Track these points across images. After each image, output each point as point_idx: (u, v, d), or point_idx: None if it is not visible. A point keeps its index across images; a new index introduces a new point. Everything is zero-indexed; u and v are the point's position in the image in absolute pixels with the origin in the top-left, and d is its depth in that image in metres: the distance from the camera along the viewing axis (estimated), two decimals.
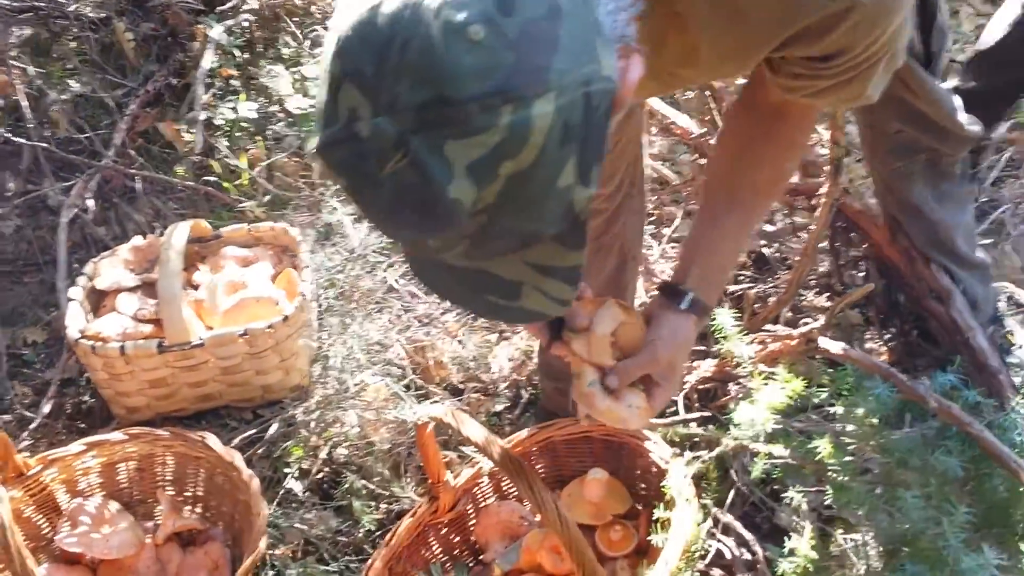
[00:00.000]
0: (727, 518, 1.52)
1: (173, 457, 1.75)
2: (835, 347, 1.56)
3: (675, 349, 1.20)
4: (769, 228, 2.26)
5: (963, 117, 1.73)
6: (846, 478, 1.36)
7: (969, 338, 1.76)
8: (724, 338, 1.55)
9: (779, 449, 1.45)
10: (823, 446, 1.42)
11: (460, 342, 2.20)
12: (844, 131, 1.66)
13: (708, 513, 1.48)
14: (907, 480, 1.33)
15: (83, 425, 2.08)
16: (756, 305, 1.97)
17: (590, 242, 1.70)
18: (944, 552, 1.21)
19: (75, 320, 1.99)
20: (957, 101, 1.73)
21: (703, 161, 2.22)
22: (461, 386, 2.11)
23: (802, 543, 1.36)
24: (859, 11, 0.99)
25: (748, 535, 1.50)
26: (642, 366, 1.19)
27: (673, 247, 2.33)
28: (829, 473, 1.40)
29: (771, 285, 2.14)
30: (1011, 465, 1.32)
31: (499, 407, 2.06)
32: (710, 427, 1.63)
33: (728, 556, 1.43)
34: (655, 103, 2.36)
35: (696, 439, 1.65)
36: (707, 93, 2.11)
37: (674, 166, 2.49)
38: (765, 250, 2.21)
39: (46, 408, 2.07)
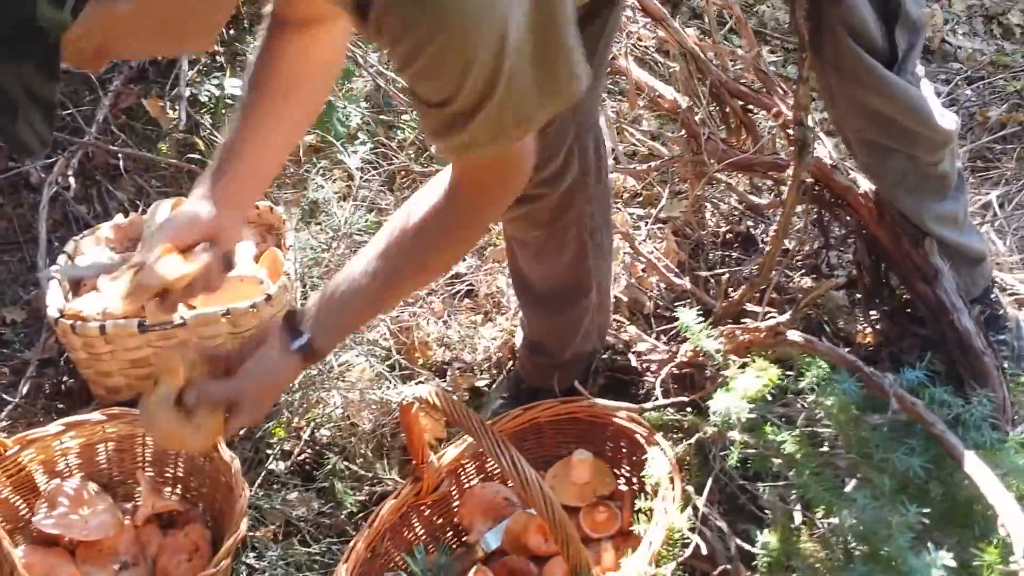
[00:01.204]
0: (705, 507, 1.51)
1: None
2: (801, 339, 1.54)
3: (268, 387, 1.23)
4: (756, 200, 2.23)
5: (937, 117, 1.67)
6: (809, 473, 1.35)
7: (954, 319, 1.74)
8: (690, 334, 1.54)
9: (754, 437, 1.44)
10: (788, 440, 1.41)
11: (445, 323, 2.19)
12: (809, 110, 1.63)
13: (689, 500, 1.47)
14: (869, 476, 1.32)
15: (62, 406, 2.05)
16: (731, 289, 1.95)
17: (540, 227, 1.63)
18: (892, 552, 1.21)
19: (55, 299, 1.96)
20: (931, 100, 1.67)
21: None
22: (445, 367, 2.10)
23: (772, 538, 1.36)
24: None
25: (723, 526, 1.48)
26: (228, 394, 1.20)
27: (660, 228, 2.31)
28: (794, 468, 1.40)
29: (756, 265, 2.13)
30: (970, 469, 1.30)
31: (483, 385, 2.05)
32: (688, 413, 1.62)
33: (704, 550, 1.42)
34: (644, 76, 2.34)
35: (673, 425, 1.64)
36: (693, 67, 2.09)
37: (661, 141, 2.47)
38: (752, 230, 2.20)
39: (24, 388, 2.04)
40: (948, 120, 1.70)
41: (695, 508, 1.45)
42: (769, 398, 1.43)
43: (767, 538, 1.35)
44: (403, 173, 2.50)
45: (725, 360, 1.51)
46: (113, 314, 1.93)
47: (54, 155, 2.54)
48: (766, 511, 1.46)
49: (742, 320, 1.80)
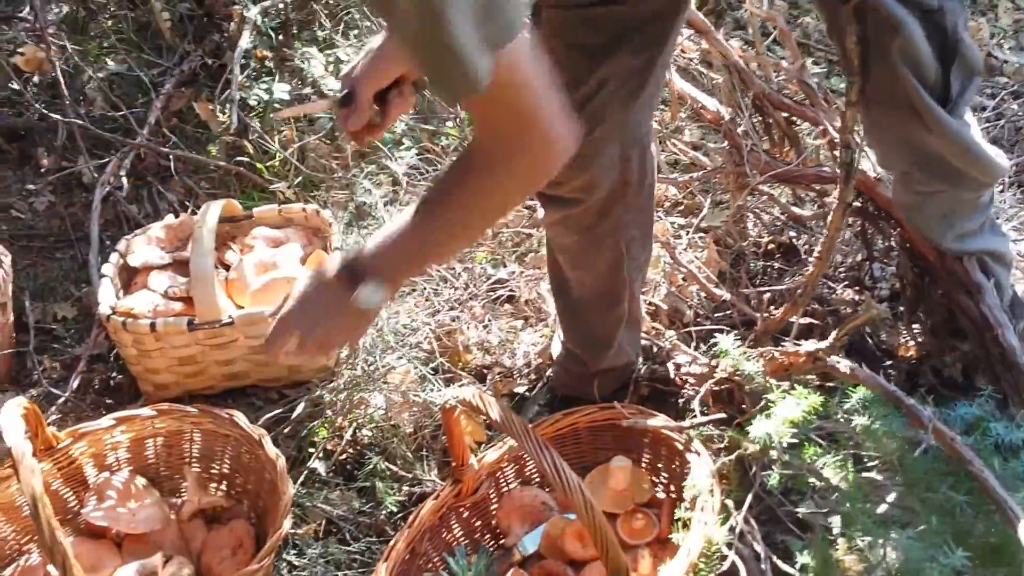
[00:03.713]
0: (745, 523, 1.52)
1: (201, 434, 1.76)
2: (843, 366, 1.54)
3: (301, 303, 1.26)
4: (799, 212, 2.23)
5: (992, 157, 1.62)
6: (851, 504, 1.35)
7: (998, 335, 1.73)
8: (725, 355, 1.54)
9: (797, 457, 1.44)
10: (830, 464, 1.41)
11: (485, 327, 2.21)
12: (856, 131, 1.61)
13: (728, 513, 1.47)
14: (914, 507, 1.31)
15: (111, 401, 2.10)
16: (772, 307, 1.95)
17: (578, 232, 1.64)
18: None
19: (107, 296, 2.01)
20: (982, 142, 1.62)
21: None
22: (485, 371, 2.12)
23: (811, 560, 1.36)
24: None
25: (760, 549, 1.49)
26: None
27: (701, 237, 2.32)
28: (837, 493, 1.39)
29: (800, 276, 2.13)
30: (1008, 513, 1.28)
31: (522, 391, 2.06)
32: (727, 428, 1.63)
33: (742, 569, 1.42)
34: (687, 87, 2.34)
35: (714, 440, 1.65)
36: (736, 78, 2.09)
37: (703, 152, 2.47)
38: (795, 241, 2.19)
39: (75, 383, 2.09)
40: (1002, 161, 1.66)
41: (733, 523, 1.45)
42: (812, 418, 1.43)
43: (806, 559, 1.35)
44: None
45: (766, 383, 1.51)
46: (163, 312, 1.97)
47: (106, 155, 2.60)
48: (804, 526, 1.46)
49: (784, 335, 1.79)
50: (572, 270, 1.77)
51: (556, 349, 2.01)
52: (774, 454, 1.42)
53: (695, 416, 1.59)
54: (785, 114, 2.16)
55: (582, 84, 1.46)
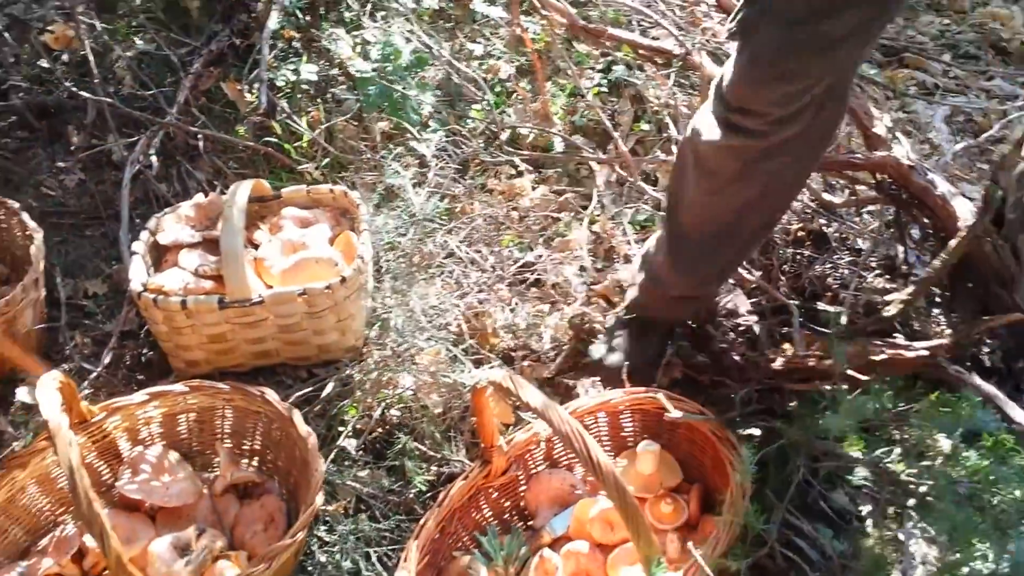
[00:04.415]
0: (787, 513, 1.52)
1: (232, 411, 1.78)
2: (952, 370, 1.54)
3: None
4: (830, 198, 2.21)
5: None
6: (937, 500, 1.34)
7: None
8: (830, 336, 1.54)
9: (855, 452, 1.44)
10: (899, 465, 1.41)
11: (512, 310, 2.21)
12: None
13: (765, 500, 1.48)
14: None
15: (142, 377, 2.12)
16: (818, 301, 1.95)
17: (745, 162, 1.63)
18: None
19: (138, 273, 2.02)
20: None
21: None
22: (512, 354, 2.12)
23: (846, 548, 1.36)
24: None
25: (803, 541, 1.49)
26: None
27: None
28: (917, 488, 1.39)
29: (829, 265, 2.12)
30: None
31: (548, 375, 2.07)
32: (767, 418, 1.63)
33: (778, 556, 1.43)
34: (718, 70, 2.33)
35: (754, 428, 1.66)
36: None
37: None
38: (825, 228, 2.18)
39: (106, 359, 2.11)
40: None
41: (770, 510, 1.46)
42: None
43: (840, 547, 1.35)
44: (474, 161, 2.53)
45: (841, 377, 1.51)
46: (194, 290, 1.99)
47: (136, 134, 2.61)
48: (843, 515, 1.46)
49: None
50: (707, 197, 1.72)
51: (627, 274, 2.04)
52: (825, 444, 1.42)
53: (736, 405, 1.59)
54: None
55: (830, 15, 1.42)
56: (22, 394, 2.09)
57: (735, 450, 1.52)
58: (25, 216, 2.23)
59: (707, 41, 2.44)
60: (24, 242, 2.22)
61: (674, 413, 1.60)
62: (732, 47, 1.58)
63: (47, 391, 1.39)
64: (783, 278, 2.08)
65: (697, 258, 1.81)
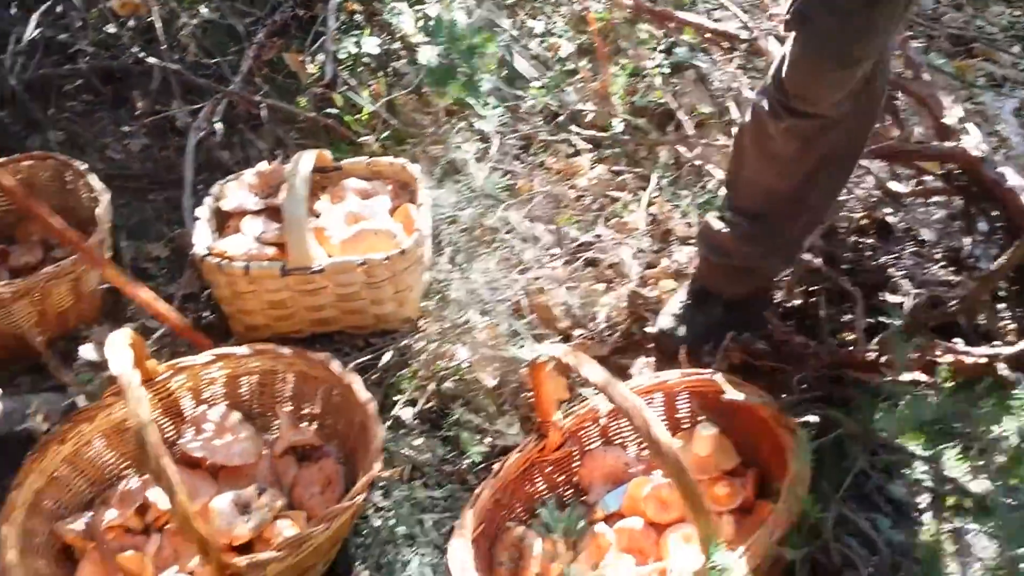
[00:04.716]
0: (840, 502, 1.51)
1: (294, 375, 1.81)
2: (1013, 377, 1.52)
3: None
4: (896, 187, 2.18)
5: None
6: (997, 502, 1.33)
7: None
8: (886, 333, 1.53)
9: (914, 447, 1.43)
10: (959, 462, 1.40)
11: (568, 288, 2.21)
12: None
13: (821, 489, 1.47)
14: None
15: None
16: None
17: (802, 140, 1.70)
18: None
19: (202, 238, 2.06)
20: None
21: None
22: (567, 332, 2.13)
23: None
24: None
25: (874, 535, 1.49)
26: None
27: None
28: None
29: (893, 256, 2.09)
30: None
31: (604, 353, 2.07)
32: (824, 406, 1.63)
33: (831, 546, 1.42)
34: None
35: (812, 416, 1.65)
36: None
37: None
38: (890, 218, 2.15)
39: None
40: None
41: (826, 499, 1.45)
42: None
43: (894, 537, 1.34)
44: (535, 139, 2.53)
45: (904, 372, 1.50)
46: (256, 256, 2.02)
47: (199, 101, 2.65)
48: (900, 506, 1.45)
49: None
50: (769, 175, 1.78)
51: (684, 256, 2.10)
52: (882, 438, 1.41)
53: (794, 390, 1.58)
54: (888, 87, 2.11)
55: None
56: (86, 351, 2.15)
57: (794, 436, 1.51)
58: (92, 178, 2.28)
59: (774, 26, 2.41)
60: (90, 204, 2.26)
61: (734, 395, 1.59)
62: (787, 35, 1.63)
63: (118, 347, 1.42)
64: (845, 266, 2.06)
65: (759, 233, 1.84)
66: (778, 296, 2.06)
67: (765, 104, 1.68)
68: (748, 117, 1.77)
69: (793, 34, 1.59)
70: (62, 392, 2.03)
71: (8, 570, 1.48)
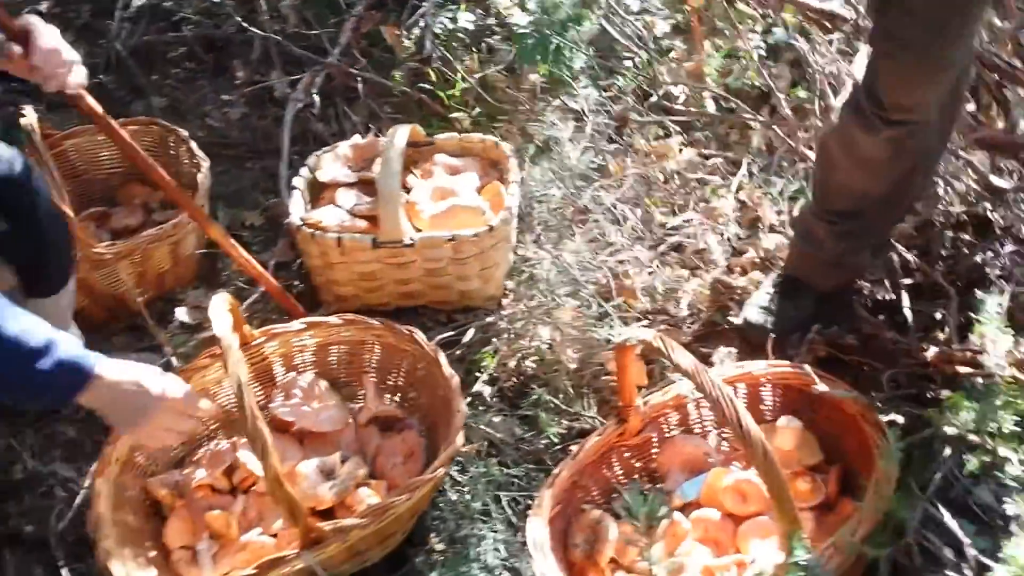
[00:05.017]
0: (928, 505, 1.48)
1: (381, 347, 1.85)
2: None
3: None
4: (998, 182, 2.10)
5: None
6: None
7: None
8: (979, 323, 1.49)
9: (1007, 452, 1.39)
10: None
11: (651, 273, 2.20)
12: None
13: (908, 490, 1.44)
14: None
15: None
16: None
17: (894, 143, 1.70)
18: None
19: (297, 208, 2.11)
20: None
21: None
22: (649, 317, 2.12)
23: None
24: None
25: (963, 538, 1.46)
26: None
27: None
28: None
29: (991, 253, 2.02)
30: None
31: (685, 341, 2.06)
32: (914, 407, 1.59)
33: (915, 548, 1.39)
34: None
35: (899, 414, 1.61)
36: None
37: None
38: (991, 214, 2.07)
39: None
40: None
41: (911, 500, 1.42)
42: None
43: (1012, 550, 1.31)
44: (627, 121, 2.51)
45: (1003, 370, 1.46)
46: (349, 228, 2.06)
47: (297, 72, 2.70)
48: (988, 512, 1.42)
49: None
50: (863, 180, 1.79)
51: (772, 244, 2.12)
52: (975, 439, 1.38)
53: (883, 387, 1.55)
54: (996, 76, 2.03)
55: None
56: (181, 313, 2.23)
57: (883, 434, 1.49)
58: (194, 145, 2.35)
59: None
60: (191, 169, 2.34)
61: (823, 389, 1.57)
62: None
63: (219, 310, 1.47)
64: (941, 263, 2.00)
65: (854, 230, 1.84)
66: (866, 289, 2.02)
67: (857, 117, 1.69)
68: (835, 127, 1.80)
69: (882, 47, 1.61)
70: (157, 353, 2.11)
71: (99, 522, 1.55)
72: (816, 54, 2.49)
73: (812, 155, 2.28)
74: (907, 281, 1.98)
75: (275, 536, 1.62)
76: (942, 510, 1.45)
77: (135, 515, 1.66)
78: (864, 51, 1.72)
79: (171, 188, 1.95)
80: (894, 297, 1.95)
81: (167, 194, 2.02)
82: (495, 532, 1.71)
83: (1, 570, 1.70)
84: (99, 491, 1.59)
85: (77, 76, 1.63)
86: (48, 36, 1.57)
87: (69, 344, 1.33)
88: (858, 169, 1.77)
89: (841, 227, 1.84)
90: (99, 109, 1.78)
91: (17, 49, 1.57)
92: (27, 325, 1.30)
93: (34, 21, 1.57)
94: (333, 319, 1.84)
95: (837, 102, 1.78)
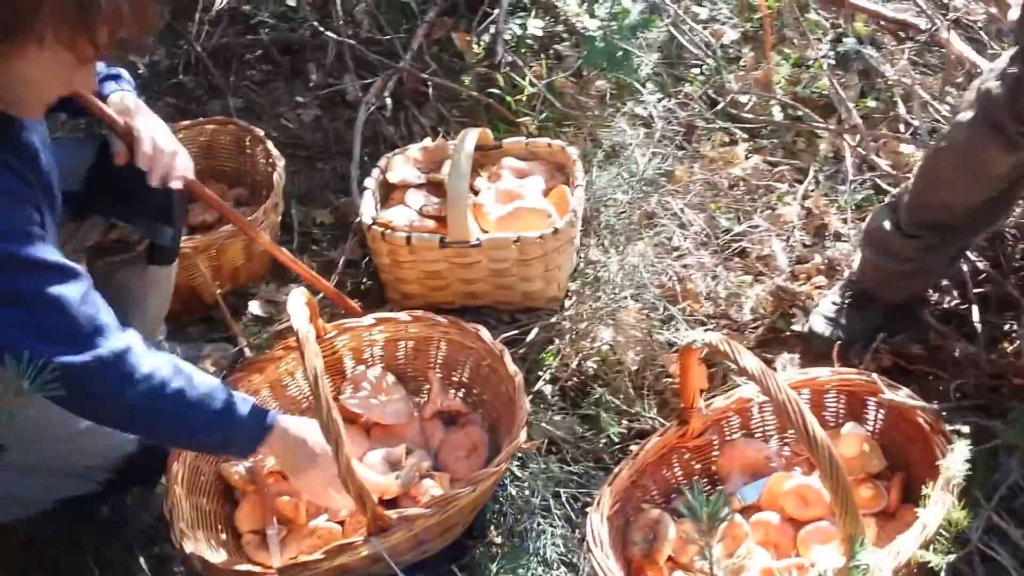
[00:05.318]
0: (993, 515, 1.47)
1: (447, 343, 1.89)
2: None
3: None
4: None
5: None
6: None
7: None
8: None
9: None
10: None
11: (715, 278, 2.21)
12: None
13: (976, 502, 1.43)
14: None
15: (359, 303, 2.27)
16: None
17: (1007, 159, 1.69)
18: None
19: (368, 207, 2.17)
20: None
21: None
22: (712, 321, 2.13)
23: None
24: None
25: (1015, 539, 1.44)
26: None
27: None
28: None
29: None
30: None
31: (747, 346, 2.06)
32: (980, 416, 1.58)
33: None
34: (966, 50, 2.22)
35: (967, 425, 1.60)
36: None
37: None
38: None
39: (332, 282, 2.27)
40: None
41: (976, 509, 1.41)
42: None
43: None
44: (694, 128, 2.52)
45: None
46: (418, 227, 2.11)
47: (369, 76, 2.77)
48: None
49: None
50: (976, 193, 1.76)
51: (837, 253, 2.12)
52: None
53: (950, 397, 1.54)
54: None
55: None
56: (254, 307, 2.31)
57: (948, 443, 1.48)
58: (270, 144, 2.42)
59: (958, 20, 2.31)
60: (267, 168, 2.41)
61: (892, 397, 1.57)
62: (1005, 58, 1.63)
63: (297, 304, 1.52)
64: (1013, 275, 1.97)
65: (940, 242, 1.83)
66: (934, 298, 2.00)
67: (995, 135, 1.64)
68: (953, 143, 1.74)
69: None
70: (231, 343, 2.18)
71: (175, 504, 1.61)
72: (888, 64, 2.49)
73: (882, 164, 2.26)
74: (978, 291, 1.96)
75: (341, 523, 1.67)
76: (1006, 520, 1.44)
77: (208, 498, 1.72)
78: (996, 69, 1.66)
79: (225, 210, 1.96)
80: (964, 306, 1.94)
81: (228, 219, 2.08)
82: (554, 527, 1.74)
83: (79, 552, 1.77)
84: (176, 474, 1.65)
85: (181, 164, 1.69)
86: (149, 141, 1.63)
87: (245, 404, 1.49)
88: (974, 184, 1.74)
89: (926, 241, 1.82)
90: (204, 191, 1.83)
91: (122, 150, 1.65)
92: (207, 389, 1.45)
93: (139, 126, 1.64)
94: (402, 315, 1.89)
95: (958, 118, 1.73)
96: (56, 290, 1.32)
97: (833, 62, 2.64)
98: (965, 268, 1.99)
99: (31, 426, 1.38)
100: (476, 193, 2.23)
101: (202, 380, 1.45)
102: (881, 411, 1.68)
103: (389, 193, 2.28)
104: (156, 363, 1.40)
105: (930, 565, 1.35)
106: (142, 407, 1.39)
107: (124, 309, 1.62)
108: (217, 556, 1.60)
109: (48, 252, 1.34)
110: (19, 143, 1.39)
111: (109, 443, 1.62)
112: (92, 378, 1.33)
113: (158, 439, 1.62)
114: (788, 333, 2.07)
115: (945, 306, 1.99)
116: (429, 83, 2.67)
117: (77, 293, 1.34)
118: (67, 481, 1.67)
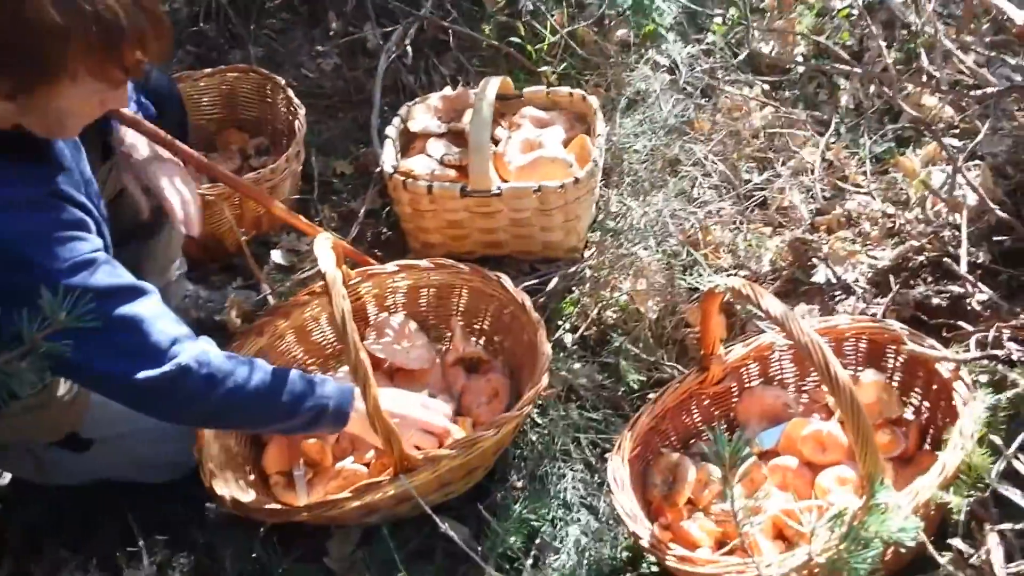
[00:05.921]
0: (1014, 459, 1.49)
1: (468, 291, 1.91)
2: None
3: None
4: None
5: None
6: None
7: None
8: None
9: None
10: None
11: (734, 229, 2.21)
12: None
13: (997, 450, 1.44)
14: None
15: (380, 253, 2.29)
16: None
17: None
18: None
19: (389, 156, 2.18)
20: None
21: None
22: (731, 272, 2.13)
23: None
24: None
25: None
26: None
27: (976, 164, 2.19)
28: None
29: None
30: None
31: None
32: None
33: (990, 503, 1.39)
34: None
35: (988, 374, 1.61)
36: None
37: (992, 69, 2.31)
38: None
39: (353, 232, 2.30)
40: None
41: (995, 454, 1.42)
42: None
43: None
44: (716, 76, 2.50)
45: None
46: (439, 177, 2.12)
47: (388, 25, 2.75)
48: None
49: None
50: None
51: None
52: None
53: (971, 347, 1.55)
54: None
55: None
56: (276, 256, 2.33)
57: (968, 390, 1.50)
58: (290, 92, 2.43)
59: None
60: (288, 116, 2.42)
61: (912, 345, 1.58)
62: None
63: (323, 249, 1.54)
64: None
65: None
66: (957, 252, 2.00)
67: None
68: None
69: None
70: (254, 291, 2.21)
71: (205, 446, 1.65)
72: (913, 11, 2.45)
73: (909, 111, 2.22)
74: (998, 239, 1.95)
75: (367, 465, 1.71)
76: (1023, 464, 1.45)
77: (235, 440, 1.76)
78: None
79: (233, 181, 2.01)
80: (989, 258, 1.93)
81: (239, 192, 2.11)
82: (574, 471, 1.77)
83: (110, 492, 1.81)
84: None
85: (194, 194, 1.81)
86: (179, 206, 1.75)
87: (326, 387, 1.55)
88: None
89: None
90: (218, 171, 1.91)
91: (146, 208, 1.79)
92: (286, 376, 1.53)
93: (162, 185, 1.75)
94: (424, 262, 1.90)
95: None
96: (130, 310, 1.39)
97: (855, 13, 2.61)
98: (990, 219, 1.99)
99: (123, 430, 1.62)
100: (496, 143, 2.23)
101: (278, 369, 1.53)
102: (900, 358, 1.70)
103: (410, 142, 2.28)
104: (233, 361, 1.48)
105: (950, 506, 1.38)
106: (229, 404, 1.47)
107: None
108: (246, 496, 1.64)
109: (117, 276, 1.41)
110: (65, 166, 1.45)
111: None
112: (177, 386, 1.41)
113: (247, 430, 1.74)
114: (807, 285, 2.08)
115: (967, 259, 1.98)
116: (450, 31, 2.65)
117: (149, 310, 1.41)
118: (154, 471, 1.79)
